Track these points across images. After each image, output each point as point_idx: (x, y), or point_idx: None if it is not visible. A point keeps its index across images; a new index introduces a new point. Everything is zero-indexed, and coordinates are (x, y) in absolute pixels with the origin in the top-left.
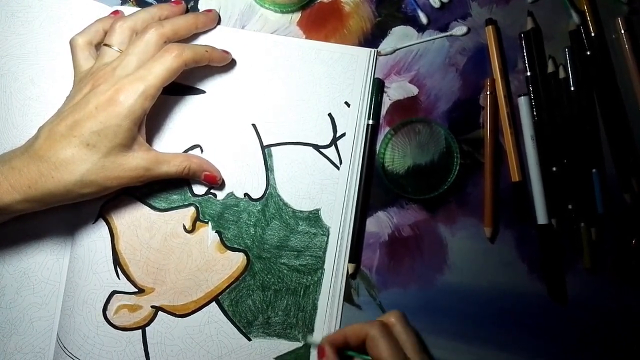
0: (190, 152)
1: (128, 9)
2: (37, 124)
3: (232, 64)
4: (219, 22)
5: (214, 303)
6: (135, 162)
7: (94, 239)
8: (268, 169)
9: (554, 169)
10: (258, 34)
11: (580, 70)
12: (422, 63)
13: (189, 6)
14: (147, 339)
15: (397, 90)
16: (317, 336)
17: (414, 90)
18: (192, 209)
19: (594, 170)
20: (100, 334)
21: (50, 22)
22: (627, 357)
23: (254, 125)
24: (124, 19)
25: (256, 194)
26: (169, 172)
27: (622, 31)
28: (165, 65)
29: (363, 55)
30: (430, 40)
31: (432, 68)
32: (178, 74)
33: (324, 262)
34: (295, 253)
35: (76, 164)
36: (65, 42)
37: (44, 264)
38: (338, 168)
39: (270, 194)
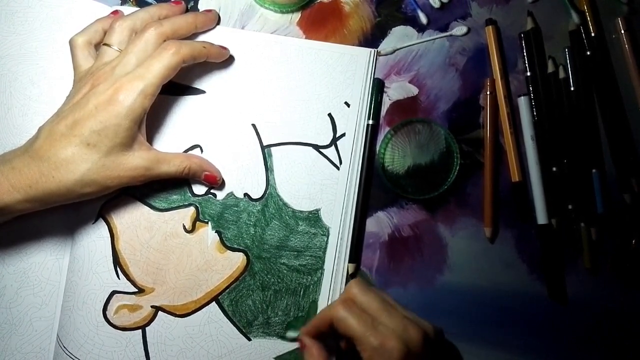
0: (190, 152)
1: (128, 9)
2: (37, 124)
3: (231, 63)
4: (218, 22)
5: (214, 303)
6: (135, 162)
7: (94, 239)
8: (268, 169)
9: (554, 169)
10: (258, 34)
11: (580, 70)
12: (422, 63)
13: (188, 6)
14: (147, 339)
15: (397, 90)
16: (296, 331)
17: (414, 90)
18: (192, 209)
19: (594, 170)
20: (100, 334)
21: (50, 22)
22: (627, 357)
23: (253, 125)
24: (124, 18)
25: (256, 194)
26: (169, 171)
27: (622, 31)
28: (163, 62)
29: (363, 55)
30: (430, 40)
31: (432, 68)
32: (177, 71)
33: (323, 262)
34: (295, 253)
35: (77, 164)
36: (65, 42)
37: (44, 264)
38: (338, 168)
39: (270, 194)
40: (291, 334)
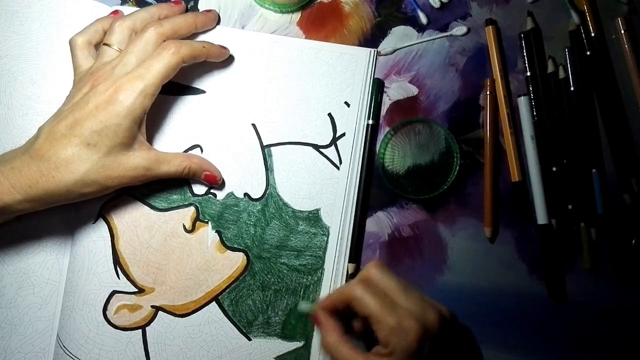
0: (190, 152)
1: (127, 9)
2: (37, 124)
3: (231, 63)
4: (218, 22)
5: (214, 303)
6: (136, 162)
7: (94, 239)
8: (268, 168)
9: (554, 169)
10: (258, 34)
11: (580, 70)
12: (422, 63)
13: (188, 6)
14: (147, 339)
15: (397, 90)
16: (309, 305)
17: (413, 90)
18: (192, 209)
19: (594, 170)
20: (100, 333)
21: (50, 22)
22: (627, 357)
23: (253, 125)
24: (124, 18)
25: (256, 193)
26: (169, 171)
27: (622, 31)
28: (163, 62)
29: (363, 55)
30: (430, 40)
31: (432, 68)
32: (177, 70)
33: (324, 262)
34: (295, 253)
35: (77, 164)
36: (65, 42)
37: (44, 264)
38: (338, 168)
39: (270, 193)
40: (303, 307)
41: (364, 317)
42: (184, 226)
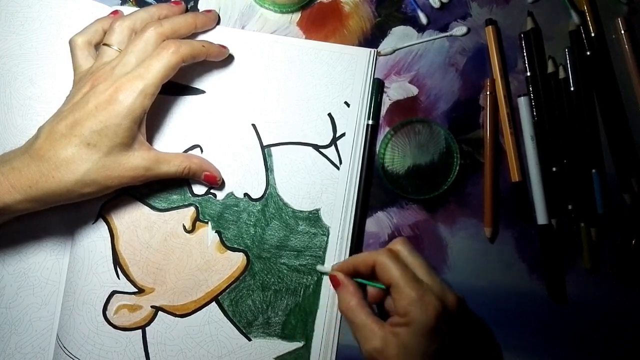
0: (190, 152)
1: (127, 9)
2: (37, 124)
3: (231, 63)
4: (218, 22)
5: (214, 303)
6: (136, 162)
7: (94, 239)
8: (268, 169)
9: (554, 169)
10: (258, 34)
11: (580, 71)
12: (422, 63)
13: (188, 6)
14: (147, 339)
15: (397, 90)
16: (327, 266)
17: (413, 91)
18: (192, 209)
19: (594, 170)
20: (100, 334)
21: (50, 22)
22: (627, 357)
23: (253, 125)
24: (123, 18)
25: (256, 194)
26: (169, 171)
27: (622, 31)
28: (162, 62)
29: (363, 55)
30: (430, 40)
31: (432, 68)
32: (176, 70)
33: (324, 262)
34: (295, 253)
35: (77, 164)
36: (65, 42)
37: (43, 264)
38: (338, 168)
39: (270, 194)
40: (322, 268)
41: (386, 285)
42: (183, 226)
